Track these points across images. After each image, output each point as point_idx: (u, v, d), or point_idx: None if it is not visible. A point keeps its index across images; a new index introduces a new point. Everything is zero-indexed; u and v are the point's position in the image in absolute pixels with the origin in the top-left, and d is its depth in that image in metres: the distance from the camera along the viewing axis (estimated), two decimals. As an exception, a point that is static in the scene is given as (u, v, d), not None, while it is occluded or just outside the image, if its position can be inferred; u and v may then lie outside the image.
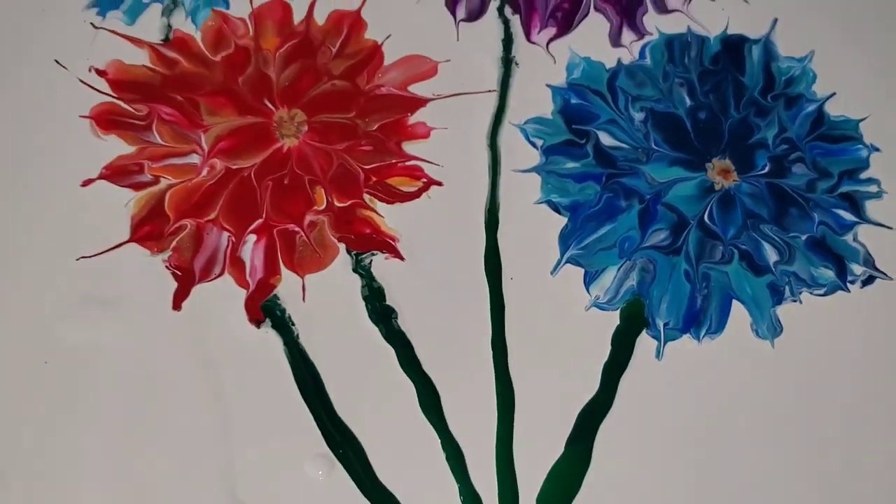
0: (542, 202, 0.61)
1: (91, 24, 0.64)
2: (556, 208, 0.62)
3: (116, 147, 0.61)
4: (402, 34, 0.65)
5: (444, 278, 0.58)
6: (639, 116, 0.65)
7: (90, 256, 0.57)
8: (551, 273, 0.59)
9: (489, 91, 0.64)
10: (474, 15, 0.67)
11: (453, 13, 0.67)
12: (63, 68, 0.63)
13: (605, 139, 0.64)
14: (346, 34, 0.65)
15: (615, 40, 0.67)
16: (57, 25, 0.64)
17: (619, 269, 0.60)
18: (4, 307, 0.56)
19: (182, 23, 0.65)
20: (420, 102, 0.64)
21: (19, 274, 0.57)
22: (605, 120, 0.64)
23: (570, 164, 0.63)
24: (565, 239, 0.60)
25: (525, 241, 0.60)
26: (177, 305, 0.57)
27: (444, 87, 0.64)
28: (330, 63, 0.64)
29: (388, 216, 0.60)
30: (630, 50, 0.67)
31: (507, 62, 0.66)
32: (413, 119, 0.63)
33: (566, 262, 0.59)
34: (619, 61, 0.66)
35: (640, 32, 0.68)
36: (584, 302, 0.58)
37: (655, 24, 0.68)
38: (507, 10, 0.68)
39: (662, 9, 0.69)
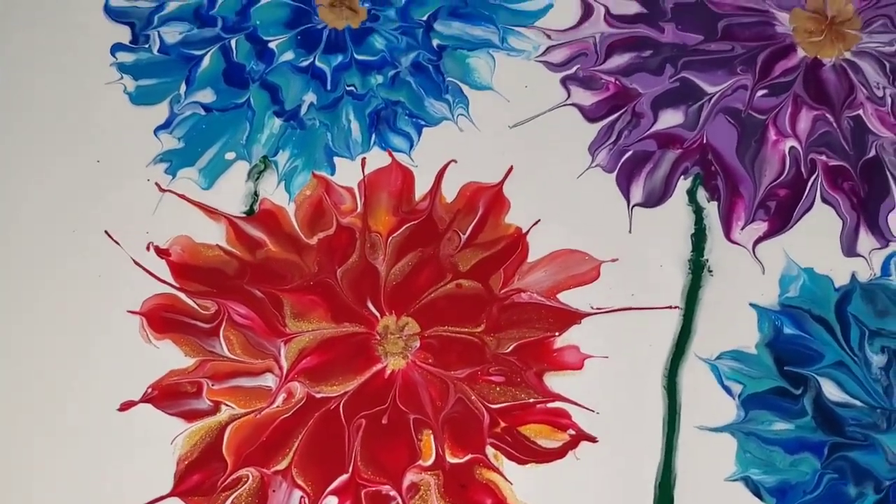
0: (737, 479, 0.43)
1: (156, 184, 0.50)
2: (756, 490, 0.43)
3: (170, 356, 0.46)
4: (554, 218, 0.49)
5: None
6: (879, 360, 0.46)
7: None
8: None
9: (670, 308, 0.47)
10: (655, 198, 0.50)
11: (626, 194, 0.50)
12: (114, 243, 0.48)
13: (831, 390, 0.45)
14: (481, 216, 0.49)
15: (850, 246, 0.49)
16: (112, 182, 0.50)
17: None
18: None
19: (273, 190, 0.50)
20: (574, 317, 0.47)
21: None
22: (832, 362, 0.46)
23: (780, 425, 0.45)
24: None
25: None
26: None
27: (608, 297, 0.47)
28: (456, 255, 0.48)
29: (519, 482, 0.43)
30: (869, 261, 0.48)
31: (698, 267, 0.48)
32: (562, 341, 0.46)
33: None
34: (853, 277, 0.47)
35: (884, 238, 0.49)
36: None
37: (905, 226, 0.49)
38: (702, 195, 0.50)
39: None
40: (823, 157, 0.51)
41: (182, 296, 0.47)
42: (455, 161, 0.51)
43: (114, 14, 0.53)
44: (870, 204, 0.50)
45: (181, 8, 0.53)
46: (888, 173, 0.51)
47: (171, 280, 0.48)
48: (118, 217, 0.49)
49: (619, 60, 0.53)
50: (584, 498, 0.44)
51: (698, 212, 0.50)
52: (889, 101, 0.52)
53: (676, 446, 0.45)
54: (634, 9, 0.54)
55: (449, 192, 0.50)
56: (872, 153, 0.51)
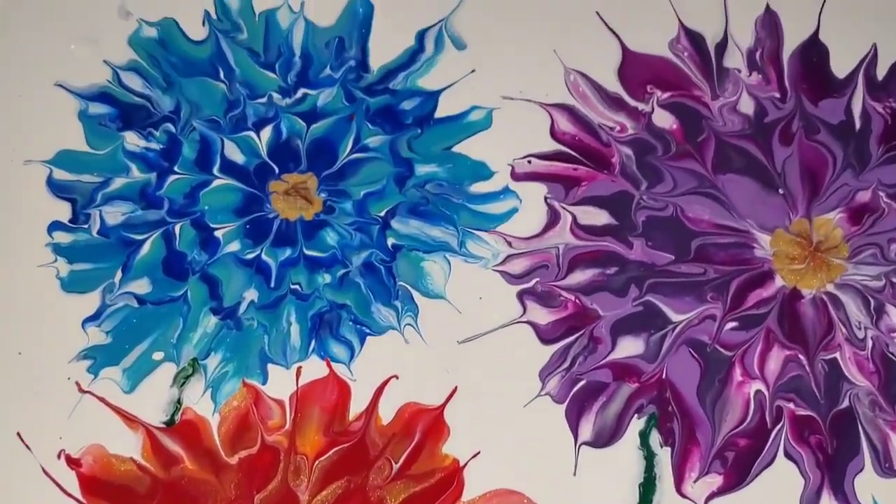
0: None
1: (76, 383, 0.47)
2: None
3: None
4: (495, 450, 0.46)
5: None
6: None
7: None
8: None
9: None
10: (605, 438, 0.47)
11: (574, 430, 0.47)
12: (26, 448, 0.45)
13: None
14: (417, 442, 0.46)
15: (809, 513, 0.45)
16: (31, 378, 0.47)
17: None
18: None
19: (198, 398, 0.47)
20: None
21: None
22: None
23: None
24: None
25: None
26: None
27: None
28: (385, 487, 0.45)
29: None
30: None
31: (643, 521, 0.45)
32: None
33: None
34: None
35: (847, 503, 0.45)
36: None
37: (873, 491, 0.45)
38: (655, 438, 0.47)
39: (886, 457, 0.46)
40: (791, 405, 0.48)
41: (88, 514, 0.44)
42: (397, 377, 0.48)
43: (56, 188, 0.50)
44: (836, 462, 0.46)
45: (127, 185, 0.51)
46: (860, 429, 0.47)
47: (78, 495, 0.45)
48: (32, 417, 0.46)
49: (581, 276, 0.50)
50: None
51: (649, 458, 0.46)
52: (870, 343, 0.49)
53: None
54: (604, 219, 0.51)
55: (387, 409, 0.47)
56: (846, 404, 0.48)
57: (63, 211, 0.50)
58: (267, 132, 0.52)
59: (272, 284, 0.49)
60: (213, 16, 0.54)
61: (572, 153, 0.52)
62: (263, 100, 0.52)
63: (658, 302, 0.49)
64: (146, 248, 0.50)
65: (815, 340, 0.49)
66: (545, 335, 0.49)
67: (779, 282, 0.50)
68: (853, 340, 0.49)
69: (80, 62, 0.53)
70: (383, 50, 0.54)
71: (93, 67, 0.53)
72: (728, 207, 0.51)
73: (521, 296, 0.50)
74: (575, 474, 0.46)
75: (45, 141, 0.51)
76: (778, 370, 0.48)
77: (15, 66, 0.53)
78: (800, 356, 0.48)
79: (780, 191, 0.51)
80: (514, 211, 0.51)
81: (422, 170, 0.52)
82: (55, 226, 0.50)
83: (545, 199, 0.51)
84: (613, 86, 0.53)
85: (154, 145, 0.51)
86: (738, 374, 0.48)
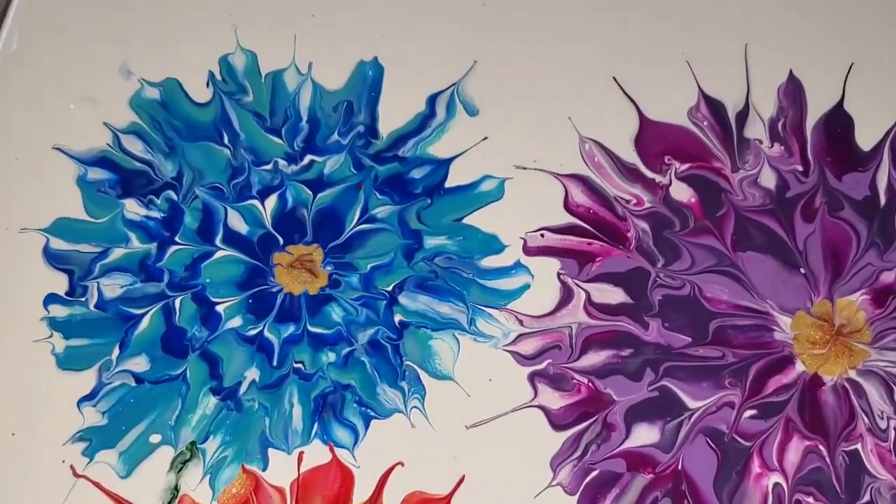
0: None
1: (71, 466, 0.46)
2: None
3: None
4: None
5: None
6: None
7: None
8: None
9: None
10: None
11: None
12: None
13: None
14: (423, 535, 0.44)
15: None
16: (24, 461, 0.45)
17: None
18: None
19: (196, 485, 0.45)
20: None
21: None
22: None
23: None
24: None
25: None
26: None
27: None
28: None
29: None
30: None
31: None
32: None
33: None
34: None
35: None
36: None
37: None
38: (667, 535, 0.45)
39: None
40: (811, 499, 0.46)
41: None
42: (402, 464, 0.46)
43: (52, 258, 0.49)
44: None
45: (127, 256, 0.49)
46: (882, 526, 0.45)
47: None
48: (26, 502, 0.45)
49: (594, 358, 0.48)
50: None
51: (664, 554, 0.45)
52: (892, 434, 0.47)
53: None
54: (619, 297, 0.49)
55: (392, 498, 0.46)
56: (866, 498, 0.46)
57: (60, 282, 0.49)
58: (272, 201, 0.50)
59: (274, 363, 0.48)
60: (218, 77, 0.52)
61: (587, 227, 0.50)
62: (269, 166, 0.51)
63: (674, 387, 0.47)
64: (145, 323, 0.48)
65: (836, 431, 0.47)
66: (557, 421, 0.47)
67: (799, 367, 0.48)
68: (875, 431, 0.47)
69: (79, 124, 0.51)
70: (393, 115, 0.52)
71: (92, 130, 0.51)
72: (748, 287, 0.49)
73: (532, 378, 0.48)
74: None
75: (42, 208, 0.50)
76: (798, 462, 0.46)
77: (12, 128, 0.51)
78: (820, 447, 0.47)
79: (802, 270, 0.49)
80: (527, 287, 0.49)
81: (431, 242, 0.50)
82: (51, 298, 0.48)
83: (558, 275, 0.50)
84: (630, 156, 0.52)
85: (155, 213, 0.50)
86: (756, 465, 0.46)
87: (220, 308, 0.49)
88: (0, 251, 0.49)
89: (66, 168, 0.51)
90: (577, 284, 0.49)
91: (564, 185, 0.51)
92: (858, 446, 0.47)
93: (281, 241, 0.50)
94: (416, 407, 0.47)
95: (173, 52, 0.53)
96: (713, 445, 0.47)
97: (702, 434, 0.47)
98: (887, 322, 0.49)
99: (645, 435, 0.47)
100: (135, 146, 0.51)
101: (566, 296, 0.49)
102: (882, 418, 0.47)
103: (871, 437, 0.47)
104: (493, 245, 0.50)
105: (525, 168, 0.51)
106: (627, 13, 0.53)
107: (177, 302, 0.49)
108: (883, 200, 0.51)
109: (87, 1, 0.53)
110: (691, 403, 0.47)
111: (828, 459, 0.46)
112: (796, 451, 0.47)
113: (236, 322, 0.48)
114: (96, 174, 0.50)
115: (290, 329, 0.48)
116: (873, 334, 0.49)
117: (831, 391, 0.48)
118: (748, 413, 0.47)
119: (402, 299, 0.49)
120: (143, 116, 0.51)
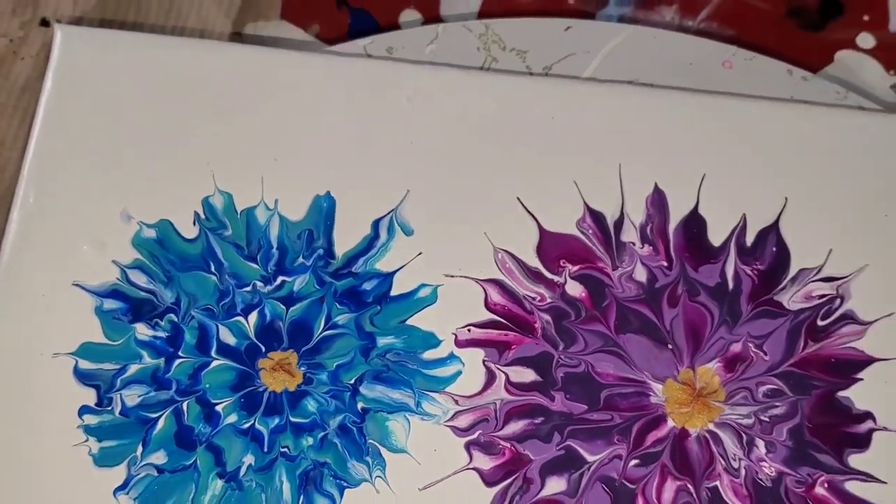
0: None
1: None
2: None
3: None
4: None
5: None
6: None
7: None
8: None
9: None
10: (537, 562, 0.59)
11: (514, 557, 0.59)
12: None
13: None
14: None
15: None
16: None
17: None
18: None
19: (212, 551, 0.58)
20: None
21: None
22: None
23: None
24: None
25: None
26: None
27: None
28: None
29: None
30: None
31: None
32: None
33: None
34: None
35: None
36: None
37: None
38: (575, 561, 0.59)
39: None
40: (683, 527, 0.60)
41: None
42: (371, 522, 0.60)
43: (81, 377, 0.61)
44: None
45: (141, 370, 0.61)
46: (737, 545, 0.60)
47: None
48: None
49: (514, 427, 0.62)
50: None
51: (571, 578, 0.59)
52: (743, 472, 0.62)
53: None
54: (531, 377, 0.63)
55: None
56: (725, 523, 0.61)
57: (89, 396, 0.61)
58: (254, 316, 0.63)
59: (265, 449, 0.61)
60: (202, 216, 0.65)
61: (503, 321, 0.64)
62: (249, 288, 0.64)
63: (576, 446, 0.62)
64: (160, 424, 0.61)
65: (700, 472, 0.62)
66: (488, 479, 0.61)
67: (670, 423, 0.63)
68: (730, 470, 0.62)
69: (92, 263, 0.63)
70: (345, 238, 0.65)
71: (103, 267, 0.63)
72: (628, 362, 0.64)
73: (467, 446, 0.62)
74: None
75: (69, 335, 0.62)
76: (672, 498, 0.61)
77: (36, 270, 0.63)
78: (689, 486, 0.61)
79: (669, 346, 0.64)
80: (459, 374, 0.63)
81: (382, 341, 0.63)
82: (84, 409, 0.61)
83: (483, 361, 0.63)
84: (533, 261, 0.65)
85: (160, 333, 0.62)
86: (640, 503, 0.61)
87: (219, 408, 0.62)
88: (37, 374, 0.61)
89: (85, 301, 0.63)
90: (498, 368, 0.63)
91: (484, 289, 0.65)
92: (717, 483, 0.62)
93: (263, 349, 0.63)
94: (379, 476, 0.61)
95: (164, 198, 0.65)
96: (607, 489, 0.61)
97: (598, 481, 0.61)
98: (737, 383, 0.64)
99: (555, 485, 0.61)
100: (139, 279, 0.64)
101: (490, 378, 0.63)
102: (735, 460, 0.62)
103: (727, 475, 0.62)
104: (431, 341, 0.64)
105: (453, 276, 0.65)
106: (528, 147, 0.67)
107: (184, 405, 0.61)
108: (731, 286, 0.65)
109: (88, 161, 0.65)
110: (589, 458, 0.62)
111: (695, 495, 0.61)
112: (670, 490, 0.61)
113: (233, 418, 0.61)
114: (110, 304, 0.63)
115: (276, 420, 0.62)
116: (726, 394, 0.64)
117: (696, 441, 0.63)
118: (633, 462, 0.62)
119: (362, 390, 0.63)
120: (144, 253, 0.64)
